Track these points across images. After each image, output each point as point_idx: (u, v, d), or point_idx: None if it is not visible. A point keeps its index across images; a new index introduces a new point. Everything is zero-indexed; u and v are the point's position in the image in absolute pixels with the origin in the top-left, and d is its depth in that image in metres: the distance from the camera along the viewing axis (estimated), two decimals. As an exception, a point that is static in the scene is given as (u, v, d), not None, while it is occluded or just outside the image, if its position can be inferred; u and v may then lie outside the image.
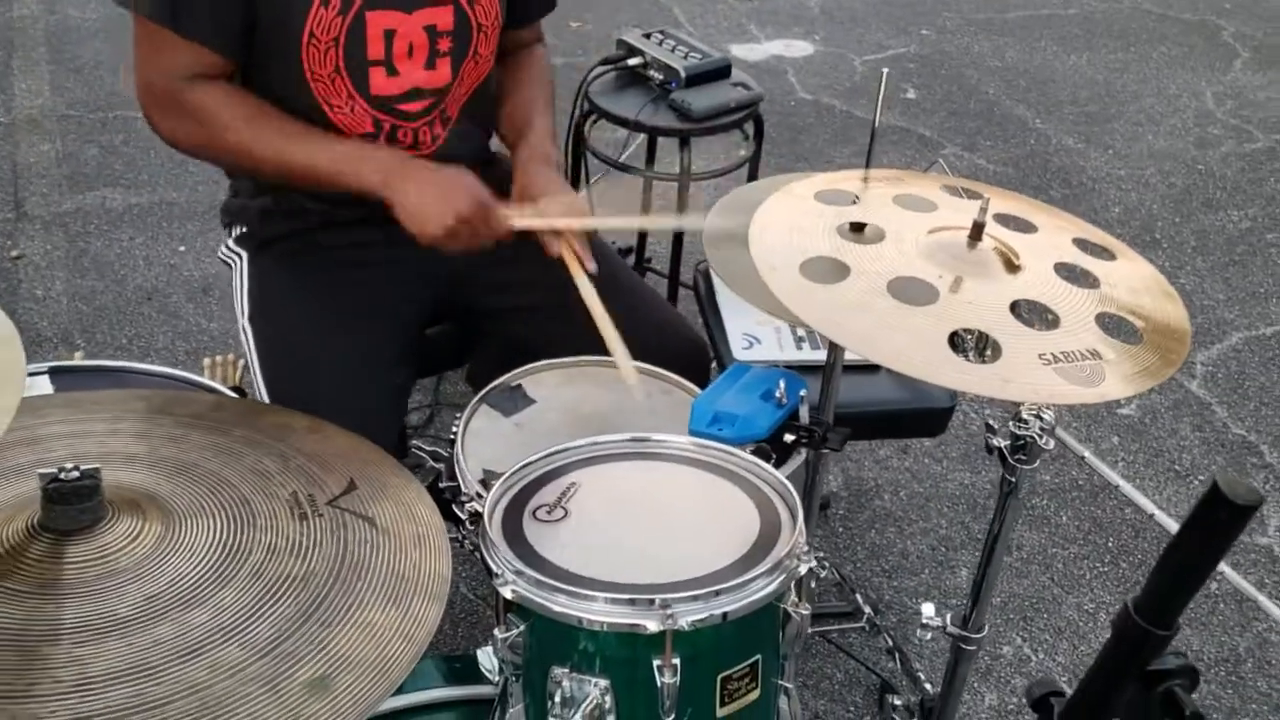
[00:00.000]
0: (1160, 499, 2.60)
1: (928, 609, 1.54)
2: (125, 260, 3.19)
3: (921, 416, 2.01)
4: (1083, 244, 1.35)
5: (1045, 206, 1.44)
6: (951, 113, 4.19)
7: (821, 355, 2.08)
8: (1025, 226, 1.36)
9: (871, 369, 2.08)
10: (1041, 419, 1.33)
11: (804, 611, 1.15)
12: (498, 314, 1.86)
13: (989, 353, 1.22)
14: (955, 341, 1.19)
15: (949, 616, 1.54)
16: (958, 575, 2.42)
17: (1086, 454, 1.38)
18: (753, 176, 2.42)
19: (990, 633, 1.56)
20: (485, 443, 1.52)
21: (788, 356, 2.05)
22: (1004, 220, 1.36)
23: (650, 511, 1.21)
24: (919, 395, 2.02)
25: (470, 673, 1.43)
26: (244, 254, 1.80)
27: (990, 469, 2.68)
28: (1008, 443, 1.37)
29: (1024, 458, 1.36)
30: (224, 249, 1.85)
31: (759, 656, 1.13)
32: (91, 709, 0.87)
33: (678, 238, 2.36)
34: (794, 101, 4.22)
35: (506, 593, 1.09)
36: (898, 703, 2.06)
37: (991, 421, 1.41)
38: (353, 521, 1.10)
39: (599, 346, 1.61)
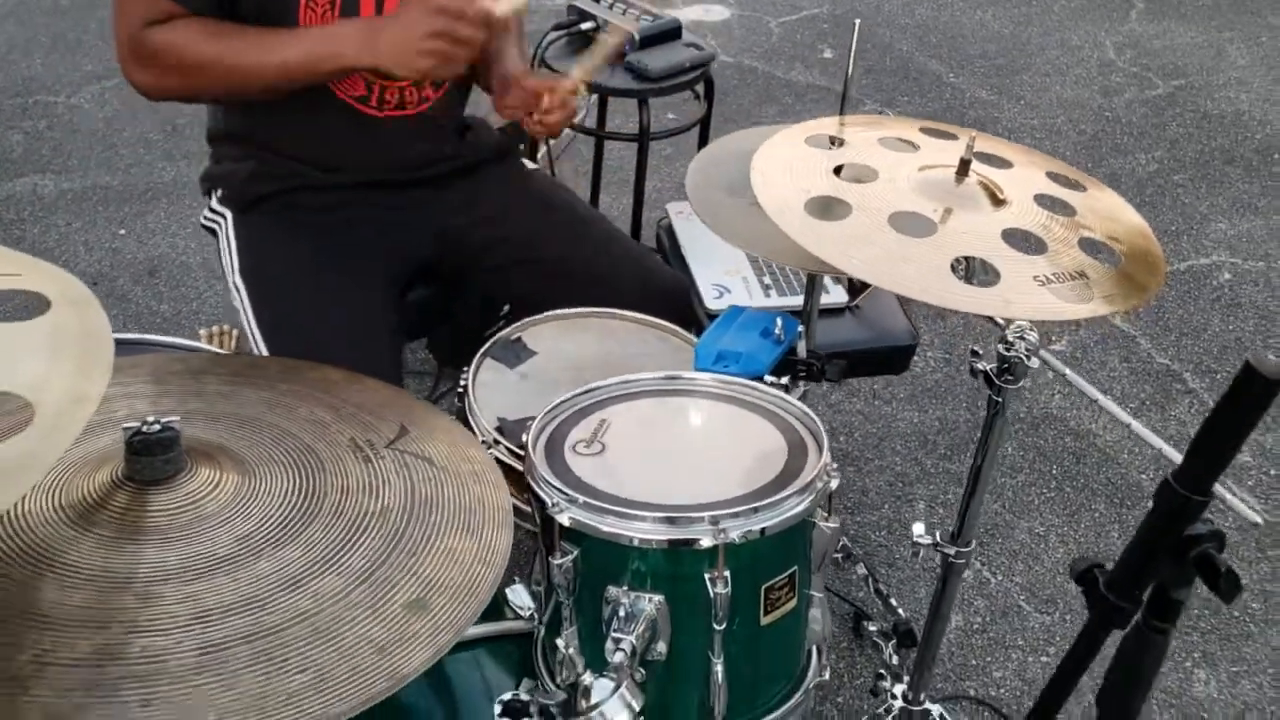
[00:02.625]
0: (1097, 425, 2.76)
1: (918, 528, 1.65)
2: (65, 247, 3.15)
3: (886, 355, 2.12)
4: (1055, 177, 1.46)
5: (1016, 145, 1.54)
6: (868, 70, 4.31)
7: (789, 301, 2.19)
8: (1001, 163, 1.46)
9: (837, 313, 2.19)
10: (1026, 340, 1.44)
11: (833, 525, 1.24)
12: (483, 271, 1.91)
13: (975, 279, 1.32)
14: (953, 268, 1.29)
15: (938, 533, 1.64)
16: (915, 508, 2.55)
17: (1068, 371, 1.49)
18: (704, 134, 2.50)
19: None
20: (495, 393, 1.58)
21: (757, 303, 2.14)
22: (982, 158, 1.45)
23: (682, 442, 1.29)
24: (882, 335, 2.13)
25: (494, 611, 1.49)
26: (228, 214, 1.82)
27: (937, 407, 2.82)
28: (993, 365, 1.48)
29: (1010, 379, 1.46)
30: (206, 214, 1.87)
31: (795, 567, 1.22)
32: (214, 637, 0.92)
33: (638, 194, 2.43)
34: (715, 64, 4.29)
35: (564, 520, 1.16)
36: (873, 628, 2.18)
37: (977, 348, 1.51)
38: (413, 462, 1.15)
39: (584, 300, 1.69)
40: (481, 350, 1.64)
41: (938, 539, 1.64)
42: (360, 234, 1.80)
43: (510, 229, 1.85)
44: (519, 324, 1.69)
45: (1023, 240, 1.33)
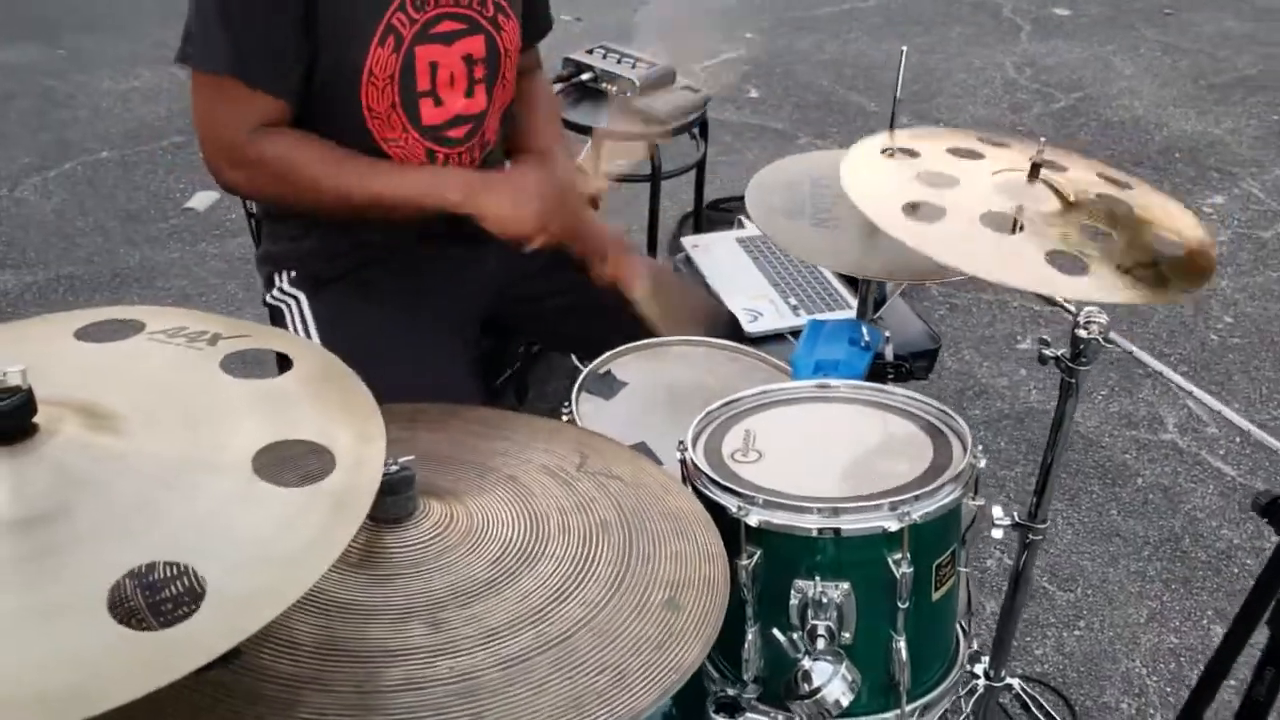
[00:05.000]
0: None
1: (996, 510, 1.76)
2: (41, 339, 3.10)
3: (915, 359, 2.24)
4: (1105, 178, 1.60)
5: (1058, 147, 1.69)
6: (797, 106, 4.51)
7: (816, 318, 2.30)
8: (1058, 167, 1.60)
9: (858, 325, 2.31)
10: (1097, 324, 1.57)
11: (979, 503, 1.34)
12: (537, 320, 1.99)
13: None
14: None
15: (1016, 511, 1.76)
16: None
17: (1134, 349, 1.63)
18: (702, 172, 2.61)
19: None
20: (602, 424, 1.65)
21: (787, 323, 2.25)
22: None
23: (830, 442, 1.38)
24: (906, 342, 2.26)
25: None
26: (301, 294, 1.85)
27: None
28: (1064, 350, 1.60)
29: (1085, 360, 1.59)
30: (275, 294, 1.88)
31: (955, 545, 1.32)
32: (512, 651, 0.97)
33: (652, 232, 2.53)
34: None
35: (751, 521, 1.24)
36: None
37: (1046, 336, 1.64)
38: (607, 481, 1.22)
39: (640, 332, 1.78)
40: (576, 385, 1.70)
41: (1015, 517, 1.75)
42: (430, 291, 1.85)
43: (565, 272, 1.93)
44: (604, 358, 1.76)
45: (1098, 234, 1.46)
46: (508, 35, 1.80)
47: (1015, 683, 1.95)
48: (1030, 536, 1.77)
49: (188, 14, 1.63)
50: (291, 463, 0.95)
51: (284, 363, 1.99)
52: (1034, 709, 2.01)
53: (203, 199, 3.74)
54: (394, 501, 1.08)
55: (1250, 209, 3.93)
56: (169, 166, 3.97)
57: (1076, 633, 2.39)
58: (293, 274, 1.87)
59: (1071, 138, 4.35)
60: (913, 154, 1.60)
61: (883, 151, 1.68)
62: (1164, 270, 1.44)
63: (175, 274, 3.39)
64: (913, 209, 1.48)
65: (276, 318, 1.89)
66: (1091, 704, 2.23)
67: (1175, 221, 1.54)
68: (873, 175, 1.55)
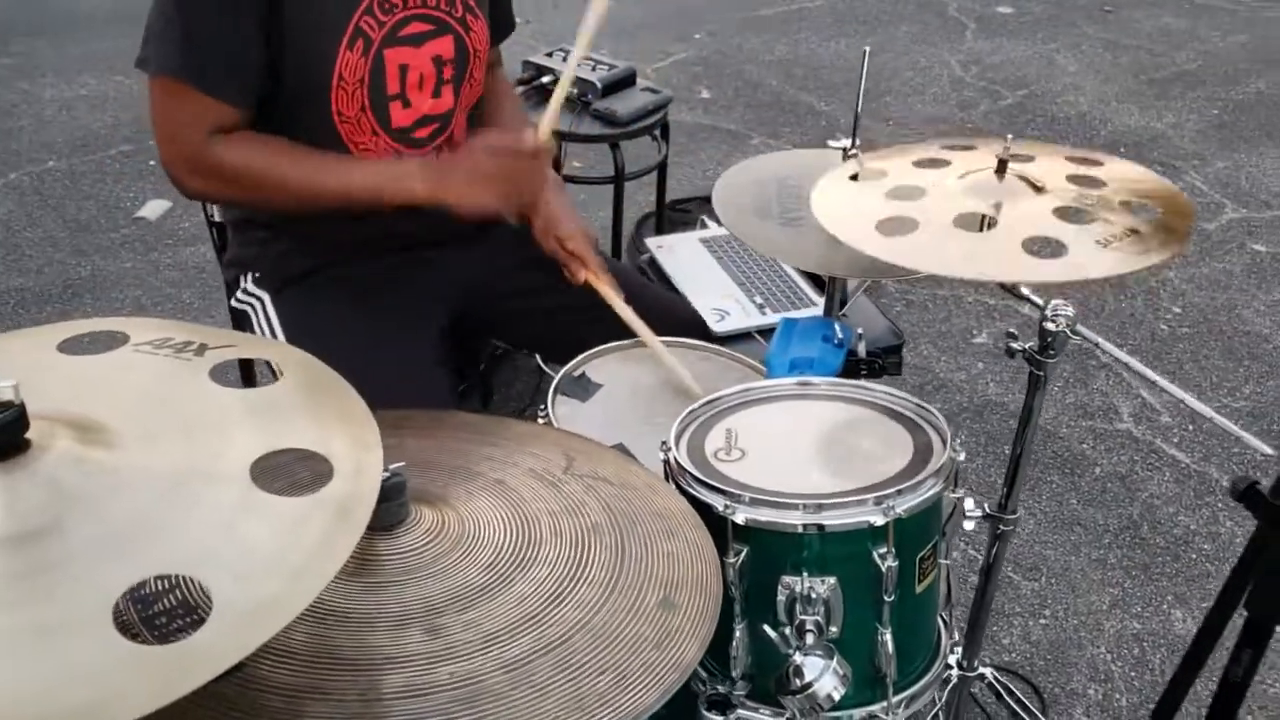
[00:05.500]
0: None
1: (968, 503, 1.79)
2: (-8, 353, 3.04)
3: (886, 355, 2.26)
4: (1073, 159, 1.63)
5: (1029, 139, 1.71)
6: (748, 106, 4.53)
7: (779, 318, 2.32)
8: (1024, 158, 1.63)
9: (824, 323, 2.33)
10: (1065, 316, 1.60)
11: (957, 496, 1.36)
12: (513, 317, 1.98)
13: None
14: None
15: (986, 504, 1.79)
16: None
17: (1101, 341, 1.66)
18: (663, 173, 2.62)
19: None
20: (580, 426, 1.65)
21: (754, 322, 2.26)
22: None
23: (812, 439, 1.40)
24: (872, 338, 2.28)
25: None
26: (265, 295, 1.84)
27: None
28: (1033, 343, 1.63)
29: (1053, 353, 1.62)
30: (239, 297, 1.88)
31: (937, 537, 1.34)
32: (510, 655, 0.97)
33: (616, 233, 2.53)
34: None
35: (739, 519, 1.25)
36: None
37: (1013, 329, 1.67)
38: (594, 483, 1.23)
39: (611, 335, 1.78)
40: (551, 388, 1.70)
41: (988, 510, 1.78)
42: (397, 291, 1.85)
43: (535, 273, 1.93)
44: (577, 360, 1.76)
45: (1075, 215, 1.49)
46: (476, 35, 1.80)
47: (988, 672, 1.98)
48: (1001, 527, 1.80)
49: (147, 19, 1.61)
50: (288, 472, 0.95)
51: (247, 373, 1.98)
52: (1006, 698, 2.04)
53: (154, 207, 3.69)
54: (387, 508, 1.07)
55: (1194, 201, 4.01)
56: (117, 175, 3.91)
57: (1042, 621, 2.43)
58: (256, 275, 1.86)
59: (1020, 134, 4.41)
60: (881, 174, 1.62)
61: (850, 177, 1.69)
62: (1145, 236, 1.47)
63: (129, 284, 3.34)
64: (887, 225, 1.49)
65: (241, 321, 1.88)
66: (1060, 691, 2.26)
67: (1145, 186, 1.57)
68: (843, 200, 1.56)
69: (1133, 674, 2.31)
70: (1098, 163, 1.62)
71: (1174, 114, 4.66)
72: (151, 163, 3.98)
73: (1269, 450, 2.58)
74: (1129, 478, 2.82)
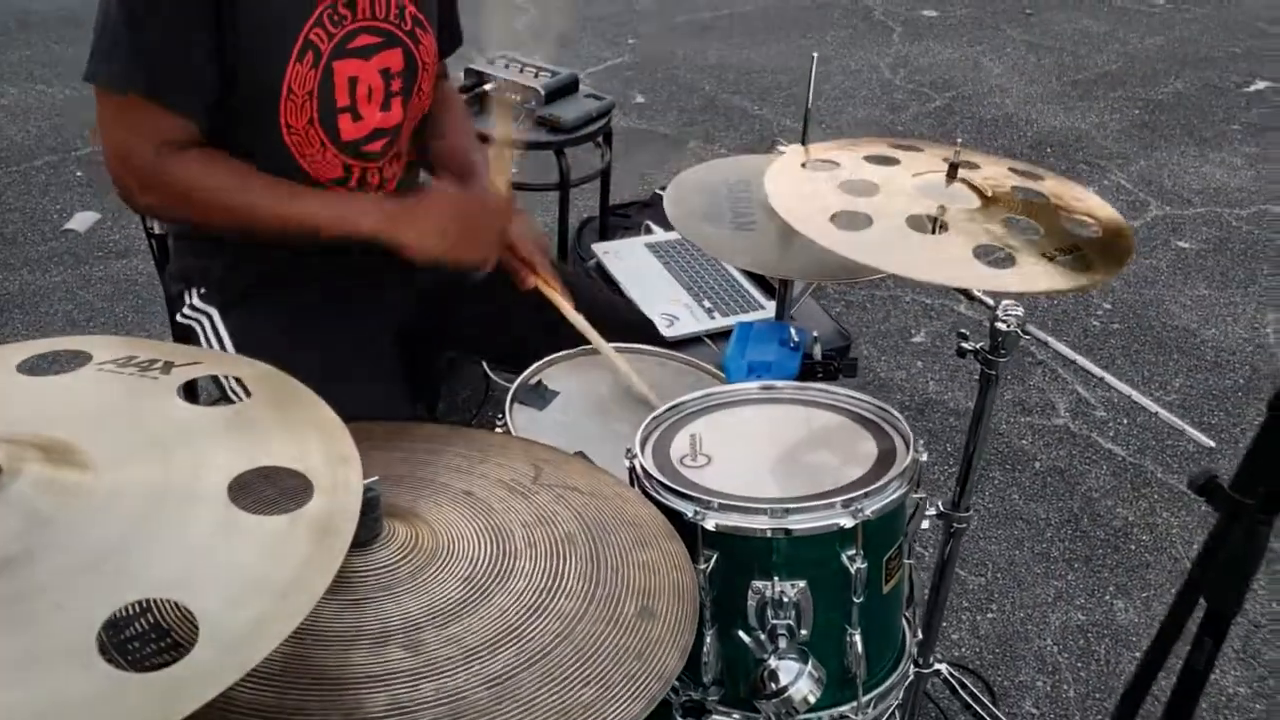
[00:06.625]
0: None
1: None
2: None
3: (837, 356, 2.29)
4: (1017, 171, 1.66)
5: (971, 149, 1.74)
6: (682, 110, 4.55)
7: (731, 320, 2.34)
8: (972, 165, 1.65)
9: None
10: (1015, 316, 1.63)
11: (920, 496, 1.38)
12: (459, 330, 1.97)
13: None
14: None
15: (939, 502, 1.81)
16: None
17: (1051, 340, 1.69)
18: (607, 179, 2.62)
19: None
20: (538, 436, 1.64)
21: (704, 326, 2.28)
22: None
23: (776, 443, 1.41)
24: (825, 341, 2.30)
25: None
26: (213, 310, 1.81)
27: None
28: (984, 343, 1.66)
29: (1004, 352, 1.65)
30: (186, 312, 1.84)
31: (902, 538, 1.36)
32: (493, 670, 0.97)
33: (562, 239, 2.53)
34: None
35: (709, 525, 1.26)
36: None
37: (964, 330, 1.70)
38: (564, 492, 1.22)
39: (564, 342, 1.77)
40: (509, 397, 1.70)
41: (939, 507, 1.81)
42: (348, 301, 1.82)
43: (483, 282, 1.91)
44: (533, 368, 1.75)
45: (1022, 227, 1.52)
46: (425, 48, 1.79)
47: (944, 668, 2.01)
48: (955, 525, 1.82)
49: (95, 31, 1.57)
50: (267, 489, 0.93)
51: (189, 388, 1.94)
52: (961, 692, 2.07)
53: (83, 220, 3.60)
54: (362, 523, 1.06)
55: (1119, 199, 4.11)
56: (43, 187, 3.82)
57: (989, 615, 2.47)
58: (203, 290, 1.82)
59: (949, 136, 4.49)
60: (833, 164, 1.64)
61: (802, 165, 1.72)
62: (1087, 254, 1.50)
63: (59, 298, 3.26)
64: (841, 219, 1.51)
65: (188, 335, 1.84)
66: (1009, 684, 2.30)
67: (1087, 206, 1.61)
68: (797, 189, 1.58)
69: (1079, 664, 2.35)
70: (1039, 177, 1.65)
71: (1097, 114, 4.77)
72: (79, 174, 3.90)
73: (1210, 443, 2.66)
74: (1068, 472, 2.88)
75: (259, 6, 1.57)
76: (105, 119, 1.61)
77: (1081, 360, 1.60)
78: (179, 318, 1.86)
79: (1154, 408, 1.63)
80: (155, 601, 0.98)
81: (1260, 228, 3.98)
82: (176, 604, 0.91)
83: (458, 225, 1.69)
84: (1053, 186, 1.64)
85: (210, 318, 1.81)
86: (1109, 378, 1.61)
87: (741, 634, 1.26)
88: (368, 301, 1.85)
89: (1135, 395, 1.64)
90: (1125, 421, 3.05)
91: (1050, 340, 1.63)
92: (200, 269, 1.83)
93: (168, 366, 1.02)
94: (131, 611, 0.99)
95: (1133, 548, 2.66)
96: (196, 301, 1.83)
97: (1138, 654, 2.41)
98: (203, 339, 1.81)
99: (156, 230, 1.97)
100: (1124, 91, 5.00)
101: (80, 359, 1.02)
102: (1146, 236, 3.92)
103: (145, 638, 0.97)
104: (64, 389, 0.98)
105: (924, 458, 1.37)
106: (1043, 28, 5.68)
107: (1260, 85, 5.08)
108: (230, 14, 1.55)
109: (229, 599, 0.79)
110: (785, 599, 1.27)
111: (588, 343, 1.78)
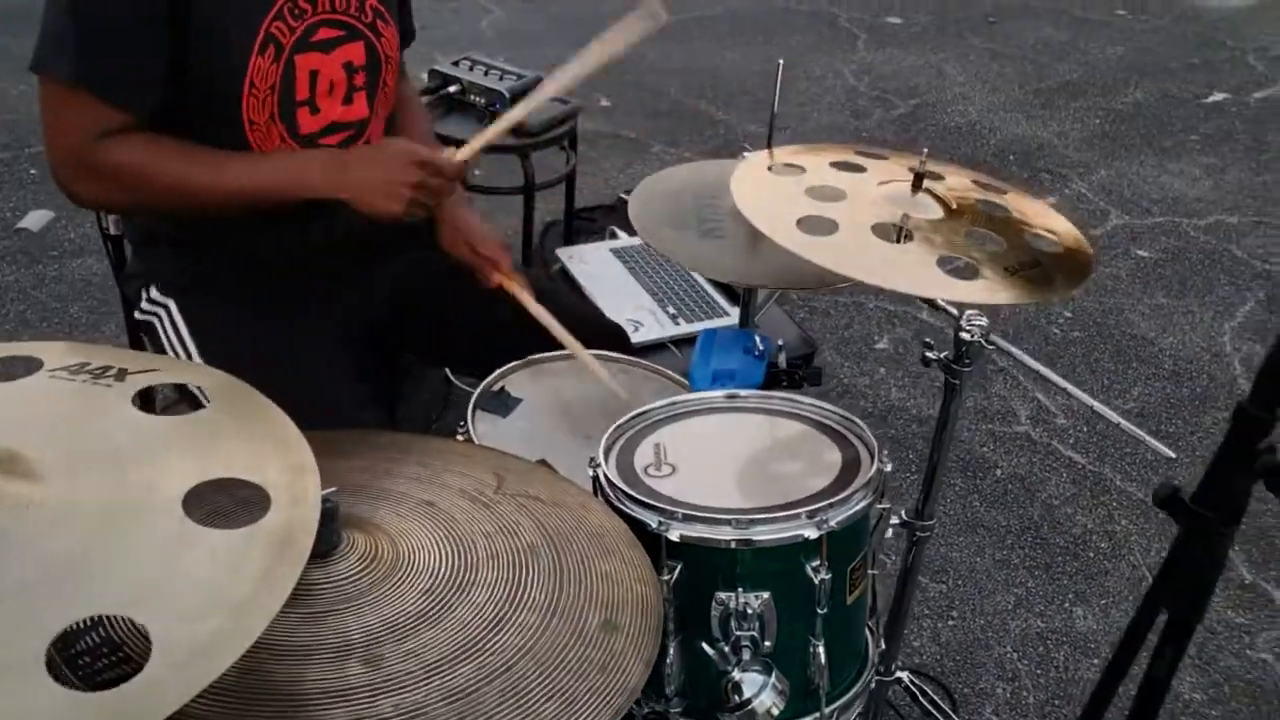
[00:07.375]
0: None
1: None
2: None
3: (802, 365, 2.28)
4: (981, 184, 1.67)
5: (939, 160, 1.74)
6: (648, 115, 4.55)
7: (696, 327, 2.33)
8: (937, 176, 1.66)
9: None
10: (979, 326, 1.63)
11: (884, 506, 1.38)
12: (422, 334, 1.95)
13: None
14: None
15: (903, 510, 1.81)
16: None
17: (1015, 350, 1.70)
18: (572, 183, 2.61)
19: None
20: (501, 443, 1.63)
21: (668, 332, 2.27)
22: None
23: (741, 454, 1.40)
24: (785, 347, 2.30)
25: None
26: (170, 301, 1.78)
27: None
28: (948, 352, 1.66)
29: (968, 362, 1.65)
30: (143, 308, 1.81)
31: (866, 548, 1.35)
32: (454, 685, 0.95)
33: (527, 243, 2.51)
34: (501, 120, 4.42)
35: (673, 536, 1.24)
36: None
37: (929, 339, 1.70)
38: (528, 502, 1.21)
39: (533, 347, 1.76)
40: (471, 404, 1.68)
41: (903, 515, 1.81)
42: (312, 301, 1.80)
43: (446, 287, 1.89)
44: (496, 374, 1.74)
45: (984, 239, 1.52)
46: (387, 41, 1.77)
47: (905, 676, 2.01)
48: (918, 534, 1.82)
49: (43, 20, 1.55)
50: (223, 502, 0.91)
51: (145, 394, 1.91)
52: (921, 699, 2.07)
53: (36, 218, 3.54)
54: (321, 535, 1.04)
55: (1080, 208, 4.14)
56: (-5, 185, 3.76)
57: (950, 622, 2.48)
58: (159, 283, 1.80)
59: (913, 143, 4.51)
60: (799, 169, 1.64)
61: (768, 168, 1.71)
62: (1048, 268, 1.51)
63: (12, 299, 3.20)
64: (807, 223, 1.51)
65: (146, 331, 1.82)
66: (970, 691, 2.31)
67: (1048, 221, 1.62)
68: (764, 193, 1.58)
69: (1039, 671, 2.37)
70: (1002, 190, 1.66)
71: (1059, 123, 4.81)
72: (33, 171, 3.83)
73: (1170, 454, 2.68)
74: (1028, 479, 2.89)
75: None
76: (46, 109, 1.59)
77: (1045, 370, 1.60)
78: (137, 314, 1.83)
79: (1115, 418, 1.64)
80: (107, 616, 0.96)
81: (1217, 238, 4.03)
82: (129, 620, 0.88)
83: (412, 183, 1.63)
84: (1016, 201, 1.65)
85: (168, 309, 1.79)
86: (1072, 389, 1.62)
87: (705, 646, 1.25)
88: (333, 302, 1.82)
89: (1098, 406, 1.65)
90: (1085, 429, 3.07)
91: (1014, 350, 1.63)
92: (157, 262, 1.81)
93: (122, 374, 1.00)
94: (82, 626, 0.96)
95: (1091, 555, 2.68)
96: (154, 294, 1.80)
97: (1096, 661, 2.43)
98: (161, 332, 1.79)
99: (113, 231, 1.93)
100: (1085, 101, 5.04)
101: (32, 365, 1.00)
102: (1107, 245, 3.95)
103: (96, 652, 0.95)
104: (14, 397, 0.96)
105: (889, 468, 1.37)
106: (1005, 37, 5.73)
107: (1218, 97, 5.15)
108: (186, 7, 1.53)
109: (183, 614, 0.77)
110: (749, 610, 1.26)
111: (551, 349, 1.76)
